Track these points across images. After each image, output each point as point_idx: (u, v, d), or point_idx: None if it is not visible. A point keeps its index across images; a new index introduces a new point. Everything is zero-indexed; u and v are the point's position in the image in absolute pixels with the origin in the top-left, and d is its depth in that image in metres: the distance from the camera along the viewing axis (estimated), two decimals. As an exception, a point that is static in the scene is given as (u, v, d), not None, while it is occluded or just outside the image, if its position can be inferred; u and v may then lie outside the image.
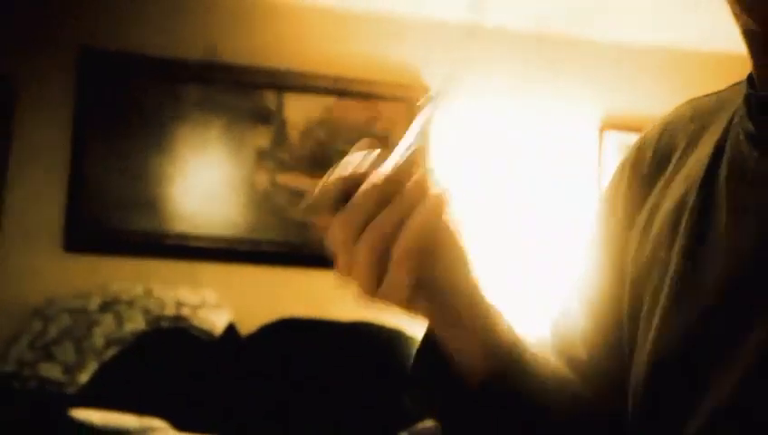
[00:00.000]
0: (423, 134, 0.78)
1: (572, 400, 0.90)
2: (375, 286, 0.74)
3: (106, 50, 3.58)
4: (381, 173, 0.74)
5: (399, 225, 0.72)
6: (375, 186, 0.73)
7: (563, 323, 0.98)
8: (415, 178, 0.74)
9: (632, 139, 3.35)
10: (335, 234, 0.74)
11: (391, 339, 3.27)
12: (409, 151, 0.76)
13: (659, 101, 3.85)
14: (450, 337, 0.82)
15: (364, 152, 0.77)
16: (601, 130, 3.95)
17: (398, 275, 0.72)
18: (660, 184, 0.91)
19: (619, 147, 3.89)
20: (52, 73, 3.56)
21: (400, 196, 0.73)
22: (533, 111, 3.91)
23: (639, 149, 0.99)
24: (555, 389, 0.87)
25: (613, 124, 3.95)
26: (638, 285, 0.86)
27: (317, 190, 0.75)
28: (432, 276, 0.77)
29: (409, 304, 0.76)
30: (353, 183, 0.74)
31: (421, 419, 2.98)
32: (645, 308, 0.84)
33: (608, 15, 3.73)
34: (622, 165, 0.99)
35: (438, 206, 0.74)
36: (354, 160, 0.76)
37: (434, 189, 0.75)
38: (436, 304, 0.79)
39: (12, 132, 3.50)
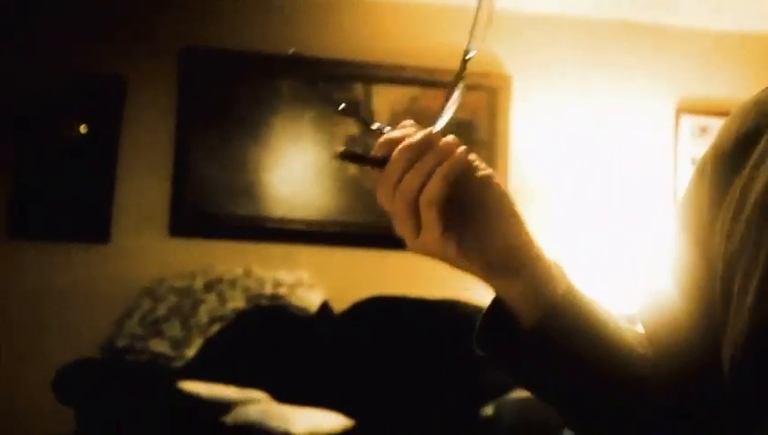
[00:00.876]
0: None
1: (628, 359, 0.92)
2: (415, 235, 0.82)
3: (206, 48, 3.70)
4: (414, 136, 0.82)
5: (426, 179, 0.80)
6: (408, 145, 0.81)
7: (651, 305, 1.01)
8: (444, 139, 0.82)
9: (708, 122, 3.54)
10: (379, 189, 0.82)
11: (478, 315, 3.23)
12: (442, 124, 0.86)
13: (735, 85, 3.93)
14: (498, 287, 0.88)
15: (410, 123, 0.85)
16: (677, 113, 3.89)
17: (427, 220, 0.80)
18: (749, 165, 0.90)
19: (695, 130, 3.84)
20: (157, 71, 3.70)
21: (429, 153, 0.81)
22: (609, 97, 3.89)
23: (723, 134, 0.98)
24: (610, 345, 0.90)
25: (689, 108, 3.88)
26: (731, 264, 0.87)
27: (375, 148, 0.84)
28: (471, 229, 0.84)
29: (447, 254, 0.83)
30: (395, 144, 0.82)
31: (507, 391, 3.03)
32: (737, 285, 0.85)
33: (687, 1, 3.71)
34: (708, 150, 0.99)
35: (461, 160, 0.82)
36: (398, 132, 0.83)
37: (460, 147, 0.82)
38: (478, 257, 0.84)
39: (121, 126, 3.64)
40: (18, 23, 3.67)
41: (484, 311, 0.91)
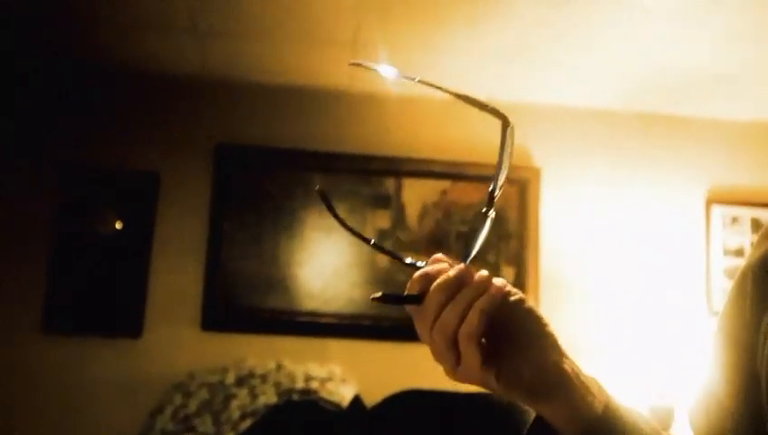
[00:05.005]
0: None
1: None
2: (455, 367, 0.86)
3: (239, 145, 3.76)
4: (449, 273, 0.86)
5: (464, 314, 0.84)
6: (444, 282, 0.85)
7: (700, 406, 1.00)
8: (478, 274, 0.86)
9: (739, 212, 3.56)
10: (417, 326, 0.88)
11: (510, 409, 3.21)
12: (472, 255, 0.91)
13: (764, 174, 3.91)
14: (538, 409, 0.90)
15: (441, 257, 0.90)
16: (707, 203, 3.88)
17: (466, 354, 0.84)
18: None
19: (726, 220, 3.82)
20: (192, 168, 3.76)
21: (465, 289, 0.85)
22: (638, 188, 3.91)
23: (766, 240, 0.98)
24: None
25: (719, 198, 3.87)
26: None
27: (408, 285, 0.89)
28: (509, 357, 0.87)
29: (488, 384, 0.87)
30: (429, 280, 0.87)
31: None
32: None
33: (713, 92, 3.74)
34: (751, 256, 0.99)
35: (498, 293, 0.85)
36: (431, 267, 0.88)
37: (495, 282, 0.86)
38: (517, 383, 0.87)
39: (155, 221, 3.70)
40: (52, 118, 3.77)
41: (530, 424, 0.92)
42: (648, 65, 3.53)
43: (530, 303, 0.89)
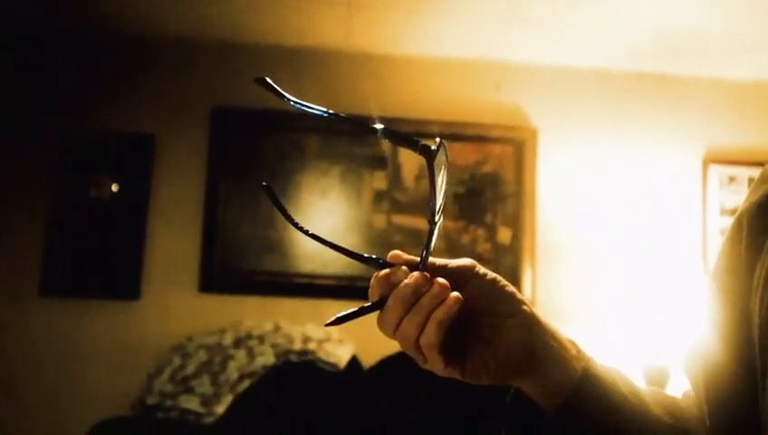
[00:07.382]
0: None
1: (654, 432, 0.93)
2: (423, 362, 0.88)
3: (235, 107, 3.74)
4: (406, 282, 0.87)
5: (423, 325, 0.86)
6: (401, 295, 0.86)
7: (694, 357, 1.01)
8: (435, 284, 0.87)
9: (736, 172, 3.55)
10: (381, 328, 0.88)
11: None
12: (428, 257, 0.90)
13: (762, 134, 3.90)
14: (517, 384, 0.93)
15: (398, 253, 0.90)
16: (705, 163, 3.87)
17: (429, 357, 0.87)
18: None
19: (723, 180, 3.82)
20: (188, 130, 3.75)
21: (423, 299, 0.86)
22: (635, 148, 3.90)
23: (759, 188, 0.99)
24: (633, 420, 0.92)
25: (716, 158, 3.86)
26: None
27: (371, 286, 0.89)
28: (474, 348, 0.89)
29: (455, 376, 0.89)
30: (389, 284, 0.87)
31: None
32: None
33: (710, 51, 3.72)
34: (744, 205, 1.01)
35: (455, 303, 0.86)
36: (390, 271, 0.89)
37: (451, 293, 0.87)
38: (484, 375, 0.89)
39: (151, 184, 3.70)
40: (48, 82, 3.75)
41: (510, 394, 0.95)
42: (645, 25, 3.51)
43: (503, 281, 0.90)
